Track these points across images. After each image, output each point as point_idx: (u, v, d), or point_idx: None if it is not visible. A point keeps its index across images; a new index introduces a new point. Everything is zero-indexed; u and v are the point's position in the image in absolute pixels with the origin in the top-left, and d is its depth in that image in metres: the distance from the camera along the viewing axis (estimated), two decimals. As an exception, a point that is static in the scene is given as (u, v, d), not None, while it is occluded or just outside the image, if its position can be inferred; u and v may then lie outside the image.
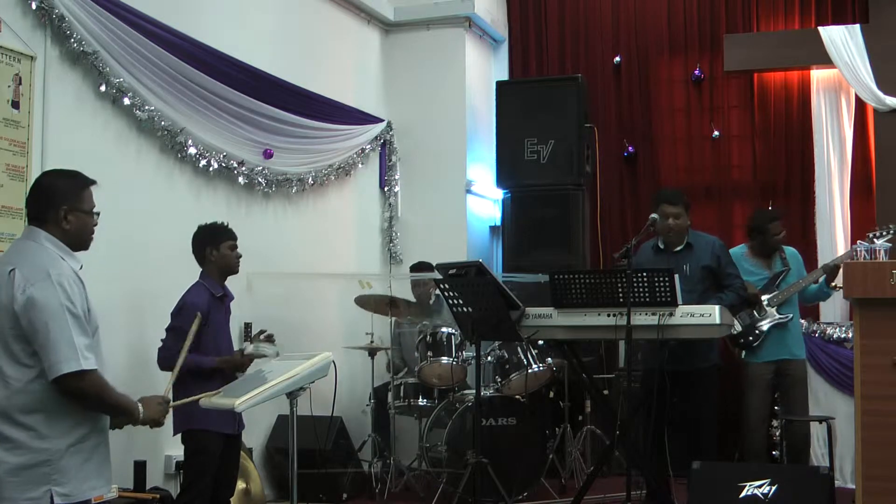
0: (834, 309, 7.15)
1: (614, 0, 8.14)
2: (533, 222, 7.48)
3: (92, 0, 4.80)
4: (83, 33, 4.75)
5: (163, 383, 3.51)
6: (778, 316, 6.09)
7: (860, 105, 7.33)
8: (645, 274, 4.86)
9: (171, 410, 3.44)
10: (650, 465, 5.16)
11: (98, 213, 3.20)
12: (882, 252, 5.01)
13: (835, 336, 6.76)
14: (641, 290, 4.84)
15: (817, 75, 7.49)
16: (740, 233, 7.24)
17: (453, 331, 6.27)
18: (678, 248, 5.63)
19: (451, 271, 5.34)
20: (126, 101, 5.07)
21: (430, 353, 6.26)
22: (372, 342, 6.51)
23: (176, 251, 5.00)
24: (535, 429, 6.22)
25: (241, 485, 5.15)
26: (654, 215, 5.51)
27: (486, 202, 8.11)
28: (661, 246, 5.68)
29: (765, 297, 6.11)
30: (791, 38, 7.50)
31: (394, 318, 6.82)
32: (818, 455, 6.61)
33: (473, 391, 5.53)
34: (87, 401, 2.98)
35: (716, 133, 7.79)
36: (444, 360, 6.23)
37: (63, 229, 3.09)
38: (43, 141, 4.60)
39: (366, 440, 6.60)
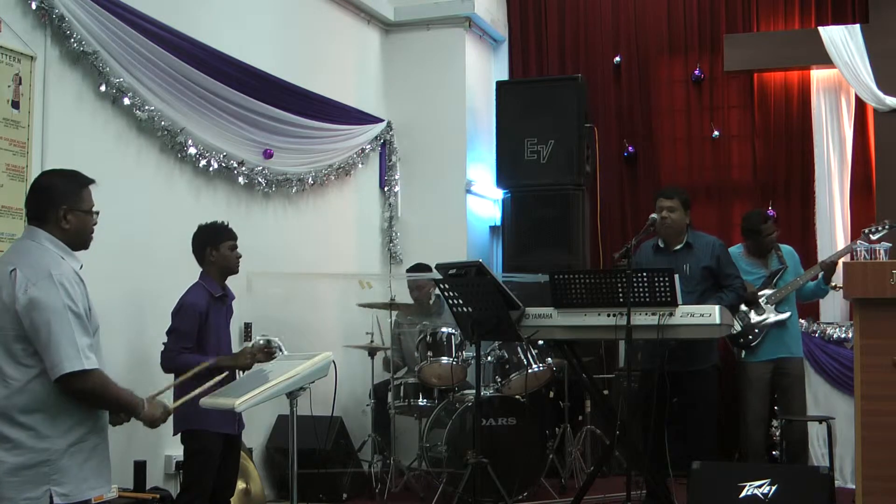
0: (834, 309, 7.16)
1: (614, 0, 8.14)
2: (533, 222, 7.48)
3: (92, 0, 4.80)
4: (83, 33, 4.75)
5: (164, 384, 3.51)
6: (776, 314, 6.10)
7: (860, 105, 7.33)
8: (645, 274, 4.86)
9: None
10: (650, 465, 5.16)
11: (97, 213, 3.21)
12: (882, 252, 5.01)
13: (835, 336, 6.76)
14: (641, 290, 4.84)
15: (817, 75, 7.49)
16: (740, 233, 7.23)
17: (453, 331, 6.27)
18: (678, 248, 5.63)
19: (451, 271, 5.34)
20: (126, 101, 5.07)
21: (430, 353, 6.26)
22: (372, 342, 6.51)
23: (176, 251, 5.00)
24: (535, 429, 6.22)
25: (241, 485, 5.15)
26: (654, 215, 5.54)
27: (486, 202, 8.11)
28: (662, 245, 5.69)
29: (762, 295, 6.12)
30: (791, 38, 7.50)
31: (394, 319, 6.82)
32: (818, 455, 6.62)
33: (473, 391, 5.53)
34: (89, 400, 2.99)
35: (716, 133, 7.80)
36: (444, 360, 6.23)
37: (63, 229, 3.09)
38: (43, 141, 4.60)
39: (366, 440, 6.60)
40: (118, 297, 4.95)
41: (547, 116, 7.50)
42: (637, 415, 5.86)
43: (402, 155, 7.84)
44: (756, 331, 6.12)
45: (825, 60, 7.23)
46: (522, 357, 6.25)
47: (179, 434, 4.61)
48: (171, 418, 4.44)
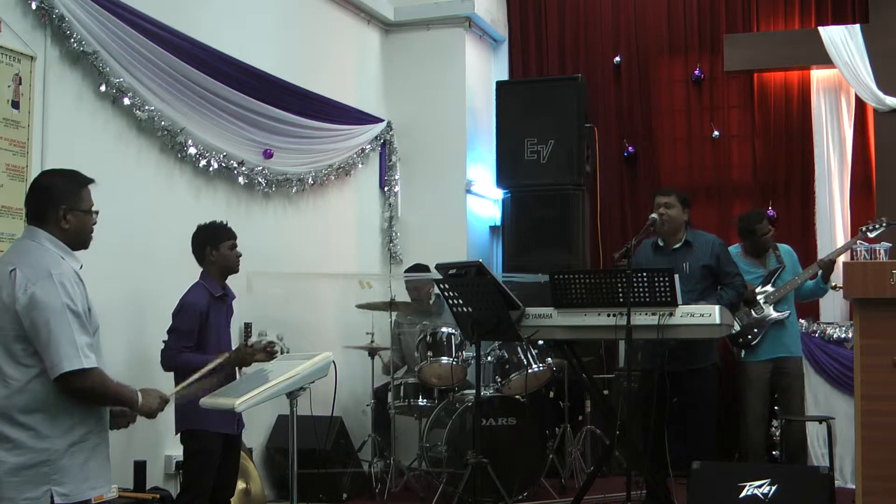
0: (834, 309, 7.16)
1: (614, 0, 8.14)
2: (533, 222, 7.48)
3: (92, 0, 4.80)
4: (83, 33, 4.75)
5: (163, 383, 3.51)
6: (775, 313, 6.10)
7: (860, 105, 7.33)
8: (645, 274, 4.86)
9: (172, 407, 3.43)
10: (650, 465, 5.16)
11: (97, 213, 3.21)
12: (882, 252, 5.01)
13: (835, 336, 6.76)
14: (641, 290, 4.84)
15: (817, 75, 7.49)
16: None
17: (453, 331, 6.27)
18: (677, 246, 5.63)
19: (451, 271, 5.34)
20: (126, 101, 5.07)
21: (430, 353, 6.27)
22: (372, 342, 6.51)
23: (176, 251, 5.00)
24: (535, 429, 6.22)
25: (241, 485, 5.15)
26: (653, 215, 5.54)
27: (486, 202, 8.11)
28: (661, 243, 5.69)
29: (761, 292, 6.12)
30: (791, 38, 7.50)
31: (394, 319, 6.82)
32: (818, 455, 6.62)
33: (473, 391, 5.53)
34: (89, 398, 2.99)
35: (716, 133, 7.80)
36: (444, 360, 6.23)
37: (62, 229, 3.09)
38: (43, 141, 4.60)
39: (366, 440, 6.60)
40: (118, 297, 4.95)
41: (547, 116, 7.50)
42: (637, 415, 5.86)
43: (402, 155, 7.84)
44: (755, 330, 6.12)
45: (825, 60, 7.23)
46: (522, 357, 6.25)
47: (179, 434, 4.61)
48: (172, 418, 4.49)
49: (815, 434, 6.64)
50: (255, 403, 3.35)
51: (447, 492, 5.96)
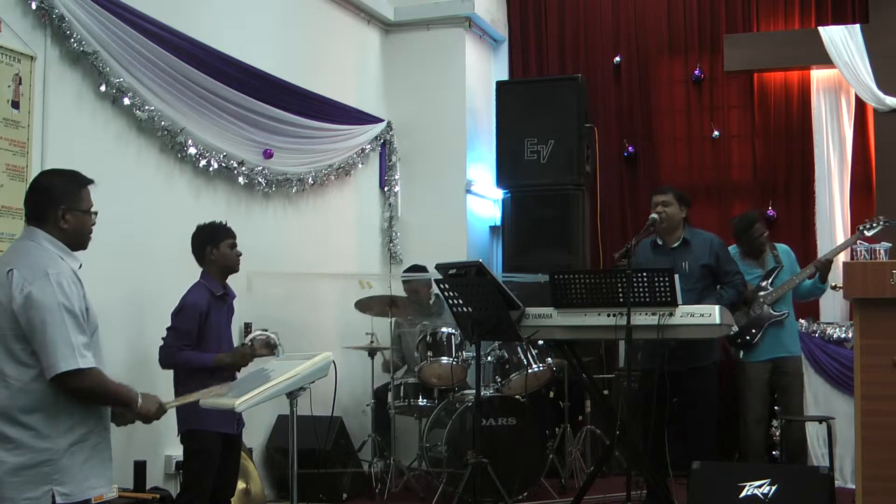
0: (834, 309, 7.16)
1: (614, 0, 8.14)
2: (533, 222, 7.48)
3: (92, 0, 4.80)
4: (83, 33, 4.75)
5: (163, 383, 3.52)
6: (774, 313, 6.10)
7: (860, 105, 7.33)
8: (645, 274, 4.86)
9: (172, 409, 3.43)
10: (650, 465, 5.16)
11: (96, 213, 3.20)
12: (882, 252, 5.01)
13: (835, 336, 6.75)
14: (641, 290, 4.84)
15: (817, 75, 7.49)
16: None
17: (453, 331, 6.27)
18: (675, 245, 5.64)
19: (450, 271, 5.34)
20: (126, 101, 5.07)
21: (430, 353, 6.27)
22: (372, 342, 6.51)
23: (176, 251, 5.00)
24: (535, 429, 6.22)
25: (241, 485, 5.15)
26: (653, 215, 5.55)
27: (486, 202, 8.11)
28: (660, 242, 5.69)
29: (761, 291, 6.12)
30: (791, 38, 7.50)
31: (394, 319, 6.82)
32: (818, 455, 6.62)
33: (473, 391, 5.53)
34: (87, 398, 2.98)
35: (716, 133, 7.80)
36: (444, 360, 6.23)
37: (61, 229, 3.09)
38: (43, 141, 4.60)
39: (366, 440, 6.60)
40: (118, 297, 4.95)
41: (547, 116, 7.50)
42: (637, 415, 5.86)
43: (402, 155, 7.84)
44: (753, 331, 6.11)
45: (825, 60, 7.23)
46: (522, 357, 6.25)
47: (180, 434, 4.61)
48: (173, 418, 4.49)
49: (815, 434, 6.64)
50: (255, 403, 3.35)
51: (447, 492, 5.96)
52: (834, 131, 7.42)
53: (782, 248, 6.37)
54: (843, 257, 6.38)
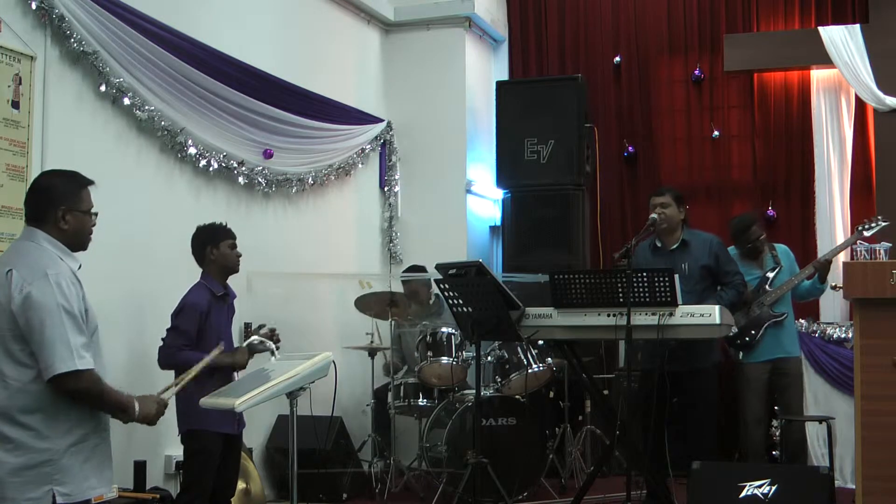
0: (834, 309, 7.15)
1: (614, 0, 8.14)
2: (533, 222, 7.48)
3: (92, 0, 4.80)
4: (83, 33, 4.75)
5: (163, 383, 3.51)
6: (773, 314, 6.10)
7: (860, 105, 7.33)
8: (645, 274, 4.86)
9: (174, 408, 3.43)
10: (650, 465, 5.16)
11: (96, 214, 3.20)
12: (882, 252, 5.01)
13: (835, 336, 6.75)
14: (641, 290, 4.84)
15: (817, 75, 7.49)
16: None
17: (453, 331, 6.27)
18: (674, 247, 5.64)
19: (450, 271, 5.34)
20: (126, 101, 5.07)
21: (430, 353, 6.27)
22: (372, 342, 6.51)
23: (176, 251, 5.00)
24: (535, 429, 6.22)
25: (241, 485, 5.15)
26: (653, 215, 5.55)
27: (486, 202, 8.11)
28: (659, 244, 5.69)
29: (756, 302, 6.12)
30: (791, 38, 7.50)
31: (394, 319, 6.81)
32: (818, 455, 6.61)
33: (473, 391, 5.53)
34: (83, 400, 2.98)
35: (716, 133, 7.80)
36: (444, 360, 6.23)
37: (61, 230, 3.08)
38: (43, 141, 4.60)
39: (366, 440, 6.60)
40: (118, 297, 4.95)
41: (547, 116, 7.50)
42: (637, 415, 5.86)
43: (402, 155, 7.84)
44: (752, 332, 6.11)
45: (825, 60, 7.22)
46: (522, 357, 6.25)
47: (181, 434, 4.61)
48: (173, 418, 4.49)
49: (815, 434, 6.64)
50: (255, 403, 3.35)
51: (447, 492, 5.96)
52: (834, 131, 7.41)
53: (781, 248, 6.36)
54: (843, 257, 6.38)
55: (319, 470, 5.78)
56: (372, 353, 6.54)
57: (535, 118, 7.52)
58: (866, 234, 5.87)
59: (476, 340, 5.19)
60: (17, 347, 2.93)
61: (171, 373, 4.55)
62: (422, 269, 6.88)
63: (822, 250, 7.14)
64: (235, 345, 4.98)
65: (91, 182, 3.20)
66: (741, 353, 6.19)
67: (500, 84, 7.86)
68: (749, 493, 4.66)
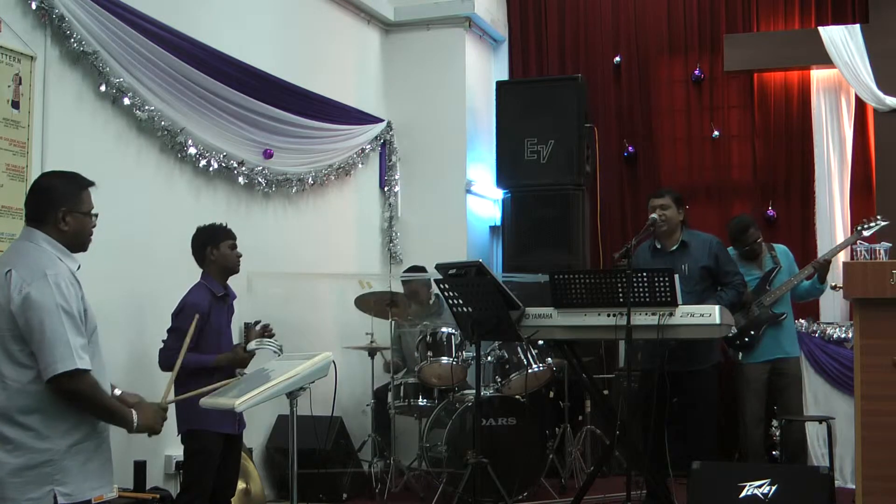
0: (834, 309, 7.15)
1: (614, 0, 8.14)
2: (533, 222, 7.48)
3: (92, 0, 4.80)
4: (83, 33, 4.75)
5: (163, 384, 3.51)
6: (772, 314, 6.10)
7: (860, 105, 7.33)
8: (645, 274, 4.86)
9: (173, 408, 3.43)
10: (650, 465, 5.16)
11: (96, 215, 3.20)
12: (882, 252, 5.01)
13: (835, 336, 6.75)
14: (641, 290, 4.84)
15: (817, 75, 7.49)
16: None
17: (453, 331, 6.27)
18: (674, 248, 5.64)
19: (450, 271, 5.34)
20: (126, 101, 5.07)
21: (430, 353, 6.27)
22: (372, 342, 6.51)
23: (176, 251, 5.00)
24: (535, 429, 6.22)
25: (241, 485, 5.15)
26: (653, 215, 5.55)
27: (486, 202, 8.11)
28: (658, 246, 5.69)
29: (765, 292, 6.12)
30: (791, 38, 7.50)
31: (394, 319, 6.81)
32: (818, 455, 6.61)
33: (473, 391, 5.53)
34: (81, 401, 2.96)
35: (716, 133, 7.80)
36: (444, 360, 6.23)
37: (61, 231, 3.08)
38: (43, 141, 4.60)
39: (366, 440, 6.60)
40: (118, 297, 4.95)
41: (547, 116, 7.50)
42: (637, 415, 5.86)
43: (402, 155, 7.84)
44: (752, 332, 6.11)
45: (825, 60, 7.22)
46: (522, 357, 6.25)
47: (181, 434, 4.61)
48: (174, 418, 4.49)
49: (815, 434, 6.64)
50: (255, 403, 3.35)
51: (447, 492, 5.96)
52: (834, 131, 7.41)
53: (780, 248, 6.36)
54: (842, 257, 6.38)
55: (319, 470, 5.78)
56: (372, 353, 6.54)
57: (535, 118, 7.52)
58: (866, 233, 5.87)
59: (476, 340, 5.19)
60: (16, 348, 2.93)
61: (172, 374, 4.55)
62: (422, 269, 6.88)
63: (822, 250, 7.14)
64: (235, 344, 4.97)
65: (91, 183, 3.19)
66: (740, 354, 6.19)
67: (500, 84, 7.86)
68: (749, 493, 4.66)
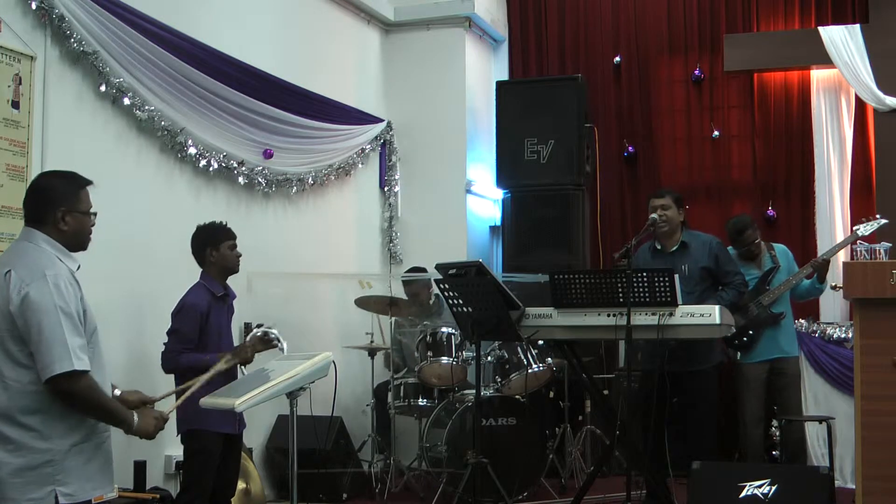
0: (834, 309, 7.15)
1: (614, 0, 8.14)
2: (533, 222, 7.48)
3: (92, 0, 4.80)
4: (83, 33, 4.75)
5: (163, 384, 3.52)
6: (770, 314, 6.10)
7: (860, 105, 7.33)
8: (645, 274, 4.86)
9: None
10: (650, 465, 5.16)
11: (95, 214, 3.19)
12: (882, 252, 5.01)
13: (835, 336, 6.75)
14: (641, 290, 4.84)
15: (817, 75, 7.49)
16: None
17: (453, 331, 6.27)
18: (674, 249, 5.64)
19: (450, 271, 5.34)
20: (126, 101, 5.07)
21: (430, 353, 6.26)
22: (372, 342, 6.51)
23: (176, 251, 5.00)
24: (535, 429, 6.22)
25: (241, 485, 5.15)
26: (653, 215, 5.55)
27: (486, 202, 8.11)
28: (658, 247, 5.69)
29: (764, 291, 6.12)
30: (791, 38, 7.50)
31: (394, 319, 6.82)
32: (818, 455, 6.61)
33: (473, 391, 5.53)
34: (78, 402, 2.95)
35: (716, 133, 7.80)
36: (444, 360, 6.23)
37: (61, 231, 3.08)
38: (43, 141, 4.60)
39: (366, 440, 6.60)
40: (118, 297, 4.95)
41: (547, 116, 7.50)
42: (637, 415, 5.86)
43: (402, 155, 7.84)
44: (750, 332, 6.10)
45: (825, 60, 7.22)
46: (522, 357, 6.25)
47: (180, 434, 4.61)
48: (174, 418, 4.48)
49: (815, 434, 6.64)
50: (255, 403, 3.35)
51: (447, 492, 5.96)
52: (834, 131, 7.41)
53: (780, 248, 6.36)
54: (842, 257, 6.38)
55: (319, 470, 5.78)
56: (372, 352, 6.54)
57: (535, 118, 7.52)
58: (865, 233, 5.86)
59: (476, 340, 5.19)
60: (16, 348, 2.93)
61: (172, 376, 4.56)
62: (422, 270, 6.88)
63: (822, 250, 7.13)
64: (236, 345, 4.97)
65: (89, 182, 3.19)
66: (739, 354, 6.19)
67: (500, 84, 7.86)
68: (749, 493, 4.66)
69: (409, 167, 7.84)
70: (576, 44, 8.27)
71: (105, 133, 5.05)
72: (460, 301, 5.17)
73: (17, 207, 4.27)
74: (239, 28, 6.06)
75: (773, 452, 6.40)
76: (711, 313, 4.78)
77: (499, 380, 6.26)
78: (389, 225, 7.75)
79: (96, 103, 4.97)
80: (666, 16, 8.01)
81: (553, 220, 7.41)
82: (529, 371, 6.22)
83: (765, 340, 6.11)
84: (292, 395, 3.49)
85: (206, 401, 3.50)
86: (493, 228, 8.19)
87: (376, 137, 7.56)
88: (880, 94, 7.04)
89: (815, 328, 6.86)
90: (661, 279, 4.81)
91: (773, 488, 4.63)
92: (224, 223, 4.80)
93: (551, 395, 6.94)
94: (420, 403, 6.39)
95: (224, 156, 5.79)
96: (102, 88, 4.95)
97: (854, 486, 4.87)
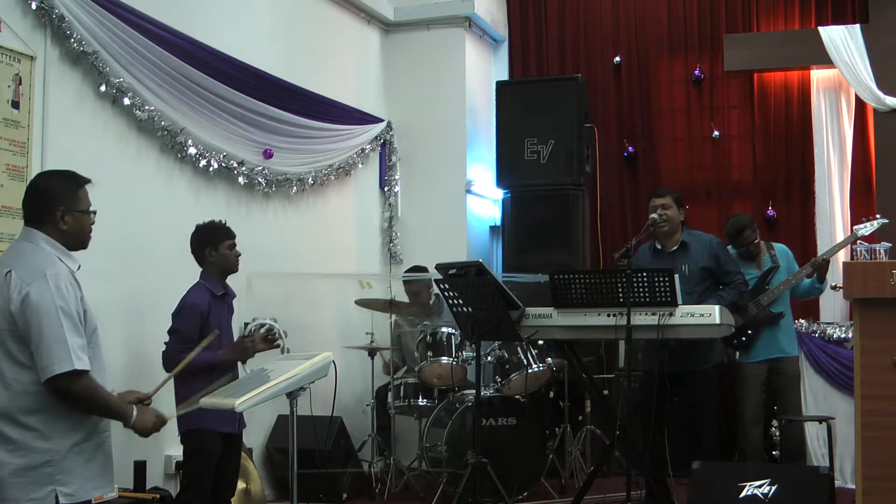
0: (834, 309, 7.15)
1: (614, 0, 8.14)
2: (533, 222, 7.48)
3: (92, 0, 4.80)
4: (83, 33, 4.75)
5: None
6: (770, 313, 6.10)
7: (860, 105, 7.33)
8: (645, 274, 4.86)
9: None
10: (650, 465, 5.16)
11: (95, 212, 3.20)
12: (882, 252, 5.01)
13: (835, 336, 6.75)
14: (641, 290, 4.84)
15: (817, 75, 7.49)
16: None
17: (453, 331, 6.27)
18: (674, 249, 5.63)
19: (451, 271, 5.34)
20: (126, 101, 5.07)
21: (430, 353, 6.26)
22: (372, 342, 6.51)
23: (176, 251, 5.00)
24: (535, 429, 6.22)
25: (241, 485, 5.15)
26: (653, 215, 5.55)
27: (486, 202, 8.11)
28: (659, 247, 5.69)
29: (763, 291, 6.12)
30: (791, 38, 7.50)
31: (394, 319, 6.81)
32: (818, 455, 6.61)
33: (473, 391, 5.53)
34: (78, 402, 2.95)
35: (716, 133, 7.80)
36: (444, 360, 6.23)
37: (60, 230, 3.08)
38: (43, 141, 4.60)
39: (366, 440, 6.59)
40: (118, 297, 4.95)
41: (547, 116, 7.50)
42: (637, 415, 5.86)
43: (402, 155, 7.84)
44: (749, 331, 6.10)
45: (825, 60, 7.22)
46: (522, 357, 6.25)
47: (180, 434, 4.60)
48: (174, 418, 4.47)
49: (815, 434, 6.64)
50: (255, 403, 3.35)
51: (447, 492, 5.95)
52: (834, 131, 7.41)
53: (780, 248, 6.36)
54: (842, 257, 6.38)
55: (319, 470, 5.78)
56: (372, 353, 6.54)
57: (534, 118, 7.52)
58: (865, 233, 5.86)
59: (476, 340, 5.19)
60: (16, 348, 2.93)
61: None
62: (423, 269, 6.88)
63: (822, 250, 7.13)
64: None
65: (88, 181, 3.19)
66: (738, 353, 6.18)
67: (499, 84, 7.86)
68: (749, 493, 4.66)
69: (409, 167, 7.84)
70: (576, 44, 8.27)
71: (105, 133, 5.05)
72: (460, 301, 5.17)
73: (17, 207, 4.26)
74: (239, 28, 6.06)
75: (773, 452, 6.40)
76: (711, 313, 4.79)
77: (499, 380, 6.26)
78: (389, 225, 7.75)
79: (96, 103, 4.97)
80: (666, 16, 8.01)
81: (553, 220, 7.41)
82: (529, 371, 6.21)
83: (764, 340, 6.11)
84: (292, 395, 3.49)
85: (207, 401, 3.50)
86: (493, 228, 8.19)
87: (376, 137, 7.56)
88: (880, 94, 7.04)
89: (814, 328, 6.86)
90: (661, 279, 4.81)
91: (773, 488, 4.63)
92: (223, 223, 4.80)
93: (551, 395, 6.94)
94: (420, 403, 6.39)
95: (224, 156, 5.79)
96: (102, 88, 4.95)
97: (854, 486, 4.87)
